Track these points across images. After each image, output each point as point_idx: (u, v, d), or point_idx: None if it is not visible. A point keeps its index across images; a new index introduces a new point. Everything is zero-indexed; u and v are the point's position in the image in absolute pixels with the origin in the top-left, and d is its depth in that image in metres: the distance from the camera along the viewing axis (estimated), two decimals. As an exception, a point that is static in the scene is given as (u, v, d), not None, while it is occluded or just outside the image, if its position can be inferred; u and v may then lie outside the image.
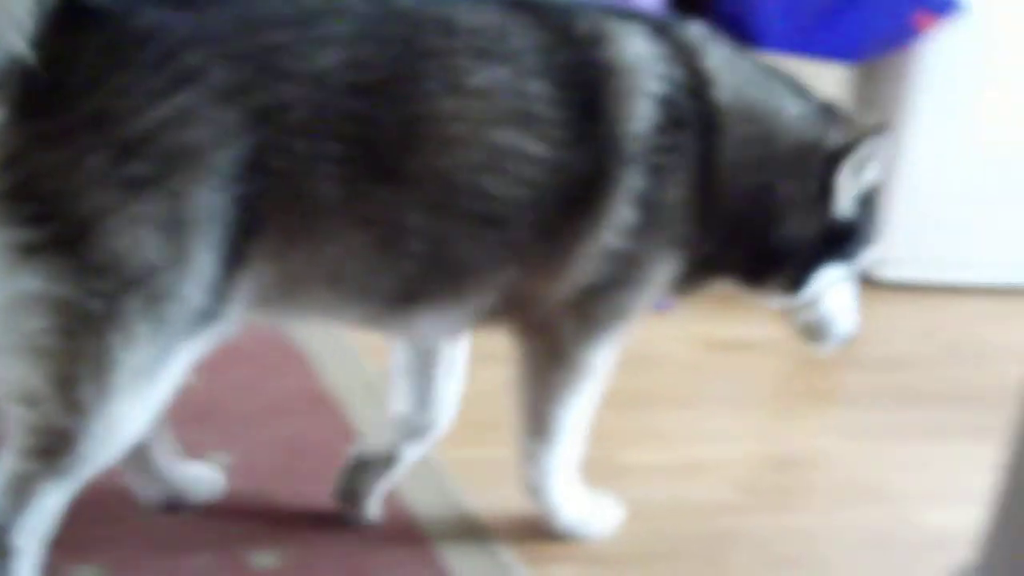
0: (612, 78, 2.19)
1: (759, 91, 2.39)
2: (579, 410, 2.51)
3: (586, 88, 2.17)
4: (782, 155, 2.39)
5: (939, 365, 3.96)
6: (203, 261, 1.91)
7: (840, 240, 2.47)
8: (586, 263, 2.27)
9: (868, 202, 2.49)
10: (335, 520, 2.57)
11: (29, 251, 1.81)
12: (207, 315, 1.97)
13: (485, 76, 2.08)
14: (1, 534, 1.99)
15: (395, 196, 2.06)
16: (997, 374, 3.84)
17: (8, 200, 1.79)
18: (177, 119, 1.84)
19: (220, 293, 1.97)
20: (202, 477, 2.57)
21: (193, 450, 2.61)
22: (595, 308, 2.36)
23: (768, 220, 2.42)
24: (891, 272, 4.55)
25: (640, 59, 2.22)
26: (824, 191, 2.41)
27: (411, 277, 2.17)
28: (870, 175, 2.45)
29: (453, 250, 2.17)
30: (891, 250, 4.34)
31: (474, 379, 3.31)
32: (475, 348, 3.47)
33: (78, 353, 1.88)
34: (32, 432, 1.94)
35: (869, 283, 4.43)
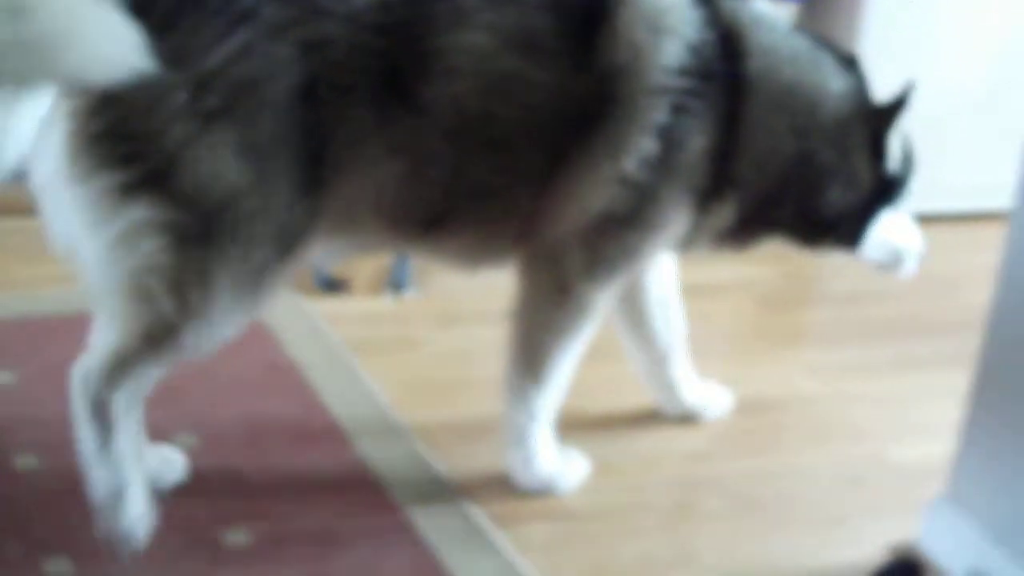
0: (633, 14, 2.34)
1: (802, 67, 2.49)
2: (573, 353, 2.58)
3: (600, 22, 2.33)
4: (825, 126, 2.50)
5: (902, 297, 3.95)
6: (279, 183, 2.18)
7: (890, 191, 2.59)
8: (603, 188, 2.37)
9: (906, 149, 2.60)
10: (304, 492, 2.57)
11: (127, 191, 2.07)
12: (293, 234, 2.24)
13: (491, 14, 2.28)
14: (103, 408, 2.23)
15: (417, 123, 2.27)
16: (961, 303, 3.85)
17: (101, 142, 2.04)
18: (239, 54, 2.09)
19: (303, 213, 2.23)
20: (169, 460, 2.55)
21: (159, 434, 2.59)
22: (605, 244, 2.45)
23: (814, 185, 2.53)
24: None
25: (667, 5, 2.37)
26: (875, 151, 2.54)
27: (438, 200, 2.38)
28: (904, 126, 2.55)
29: (472, 173, 2.36)
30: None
31: (439, 341, 3.31)
32: (441, 311, 3.46)
33: (184, 265, 2.14)
34: (142, 318, 2.19)
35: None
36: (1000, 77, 4.60)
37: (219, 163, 2.10)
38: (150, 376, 2.27)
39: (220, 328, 2.25)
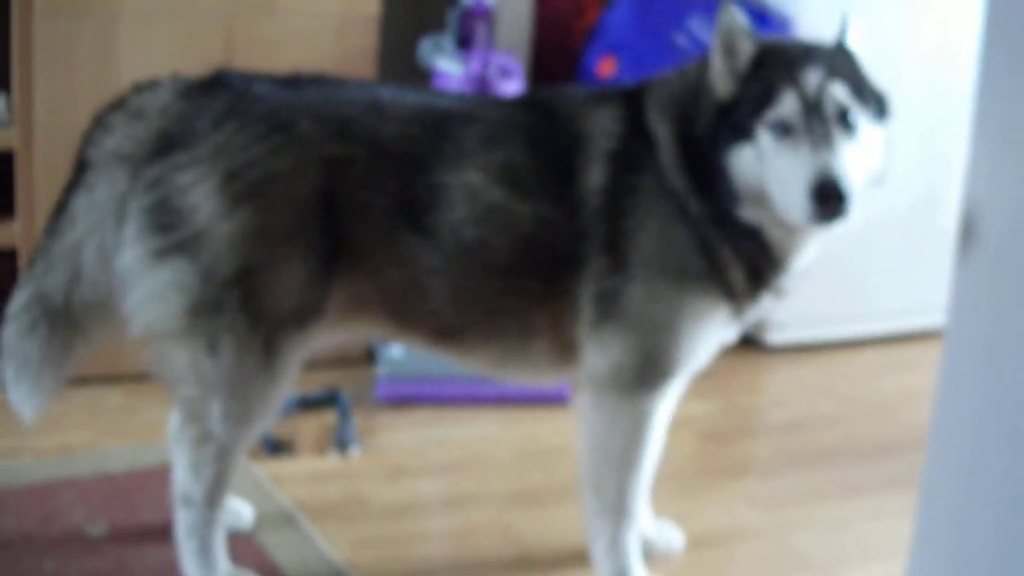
0: (578, 145, 2.56)
1: (677, 83, 2.61)
2: (642, 473, 2.67)
3: (562, 156, 2.56)
4: (691, 100, 2.55)
5: (841, 422, 4.00)
6: (290, 268, 2.48)
7: (730, 116, 2.47)
8: (587, 305, 2.55)
9: (751, 76, 2.48)
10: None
11: (162, 254, 2.42)
12: (303, 315, 2.52)
13: (484, 155, 2.54)
14: (188, 498, 2.60)
15: (420, 242, 2.53)
16: (899, 424, 3.91)
17: (150, 213, 2.42)
18: (270, 154, 2.44)
19: (314, 299, 2.52)
20: None
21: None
22: (622, 354, 2.56)
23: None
24: (777, 336, 4.58)
25: (597, 127, 2.57)
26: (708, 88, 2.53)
27: (443, 312, 2.60)
28: (744, 48, 2.48)
29: (473, 292, 2.59)
30: (773, 314, 4.33)
31: (387, 497, 3.29)
32: (387, 467, 3.46)
33: (195, 329, 2.44)
34: (181, 401, 2.56)
35: (757, 349, 4.49)
36: (921, 194, 4.57)
37: (237, 242, 2.41)
38: (215, 467, 2.56)
39: (243, 406, 2.51)
